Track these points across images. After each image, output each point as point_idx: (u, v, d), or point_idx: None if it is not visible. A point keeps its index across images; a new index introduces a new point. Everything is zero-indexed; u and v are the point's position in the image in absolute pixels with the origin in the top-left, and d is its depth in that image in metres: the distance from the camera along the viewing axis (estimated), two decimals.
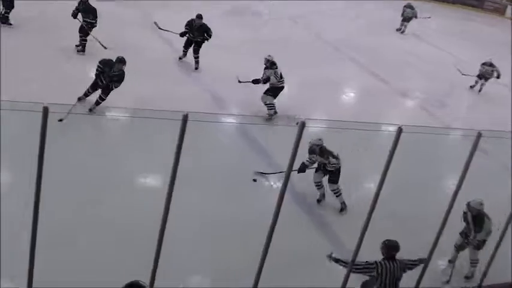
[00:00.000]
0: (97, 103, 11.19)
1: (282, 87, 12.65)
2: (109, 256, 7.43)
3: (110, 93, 11.13)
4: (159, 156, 8.72)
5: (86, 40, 13.88)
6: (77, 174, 9.06)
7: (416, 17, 22.37)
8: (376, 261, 6.61)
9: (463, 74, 16.98)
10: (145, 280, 4.67)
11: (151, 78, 13.33)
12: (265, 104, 12.53)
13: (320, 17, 22.20)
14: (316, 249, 8.36)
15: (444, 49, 21.20)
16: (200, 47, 14.47)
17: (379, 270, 6.56)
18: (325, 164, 9.42)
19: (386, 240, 6.71)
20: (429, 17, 22.72)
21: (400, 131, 5.67)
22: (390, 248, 6.66)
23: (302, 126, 5.05)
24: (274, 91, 12.56)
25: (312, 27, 20.84)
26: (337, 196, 9.56)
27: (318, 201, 9.70)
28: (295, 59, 16.40)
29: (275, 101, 12.58)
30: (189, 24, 14.34)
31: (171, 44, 15.29)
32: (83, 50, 13.93)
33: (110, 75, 11.05)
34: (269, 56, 12.63)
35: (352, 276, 6.38)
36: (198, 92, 13.28)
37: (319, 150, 9.36)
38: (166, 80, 13.51)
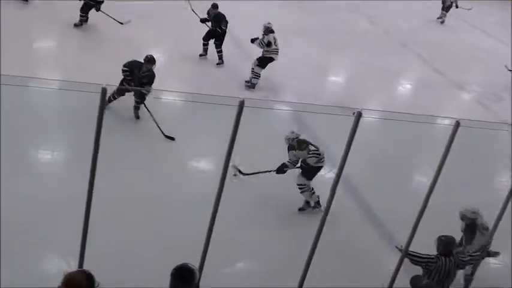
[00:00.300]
0: (136, 108, 10.27)
1: (270, 58, 12.56)
2: (158, 237, 7.50)
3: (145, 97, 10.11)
4: (212, 140, 8.82)
5: (84, 17, 13.76)
6: (128, 155, 9.25)
7: (457, 6, 21.70)
8: (436, 255, 6.48)
9: (509, 70, 16.48)
10: (194, 263, 4.68)
11: (203, 62, 13.39)
12: (252, 70, 12.62)
13: (381, 7, 21.84)
14: (364, 244, 8.34)
15: (503, 41, 20.62)
16: (220, 41, 13.40)
17: (437, 265, 6.45)
18: (306, 159, 8.49)
19: (443, 235, 6.52)
20: (469, 9, 21.98)
21: (457, 125, 5.55)
22: (447, 244, 6.50)
23: (358, 116, 4.98)
24: (261, 60, 12.58)
25: (374, 18, 20.52)
26: (301, 192, 8.68)
27: (301, 210, 8.80)
28: (354, 48, 16.28)
29: (262, 71, 12.61)
30: (208, 13, 13.51)
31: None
32: (81, 25, 13.79)
33: (138, 76, 9.94)
34: (268, 23, 12.53)
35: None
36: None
37: (296, 144, 8.46)
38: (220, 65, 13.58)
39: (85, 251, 5.25)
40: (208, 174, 8.46)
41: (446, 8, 21.68)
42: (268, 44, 12.37)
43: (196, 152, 9.82)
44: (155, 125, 9.81)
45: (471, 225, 7.33)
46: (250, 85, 12.59)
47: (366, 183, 9.60)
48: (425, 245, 6.57)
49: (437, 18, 21.97)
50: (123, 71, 9.97)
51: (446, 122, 10.69)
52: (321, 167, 8.58)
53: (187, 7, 13.87)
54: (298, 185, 8.67)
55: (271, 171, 8.48)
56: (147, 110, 10.04)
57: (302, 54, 13.07)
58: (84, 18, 13.83)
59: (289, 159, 8.48)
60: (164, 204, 8.12)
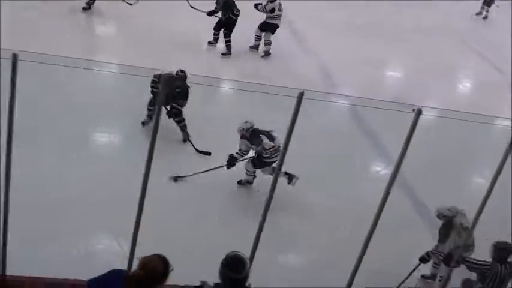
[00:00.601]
0: (182, 128, 9.35)
1: (273, 24, 12.82)
2: (208, 225, 7.57)
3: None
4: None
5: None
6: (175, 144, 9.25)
7: (493, 1, 21.03)
8: (493, 262, 6.36)
9: None
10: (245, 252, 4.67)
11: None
12: (256, 37, 13.03)
13: (436, 3, 21.41)
14: (416, 245, 8.20)
15: None
16: (229, 30, 12.72)
17: (493, 272, 6.31)
18: (260, 153, 8.17)
19: (497, 242, 6.41)
20: (497, 6, 21.23)
21: None
22: (501, 250, 6.37)
23: (418, 113, 4.84)
24: (264, 25, 12.90)
25: (431, 14, 20.11)
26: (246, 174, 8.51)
27: (240, 182, 8.57)
28: (413, 43, 16.02)
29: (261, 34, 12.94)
30: (217, 2, 12.84)
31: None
32: (89, 8, 13.50)
33: (171, 93, 8.96)
34: None
35: None
36: (307, 71, 13.10)
37: (250, 135, 8.13)
38: (279, 56, 13.49)
39: (138, 234, 5.28)
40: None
41: (487, 3, 21.07)
42: (272, 11, 12.64)
43: None
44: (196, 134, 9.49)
45: (447, 223, 7.10)
46: (264, 54, 12.99)
47: (421, 182, 9.35)
48: (480, 250, 6.45)
49: (477, 14, 21.26)
50: (153, 81, 9.06)
51: (506, 123, 10.46)
52: (274, 161, 8.16)
53: None
54: (246, 169, 8.44)
55: (221, 166, 8.29)
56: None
57: (360, 49, 12.87)
58: (92, 1, 13.55)
59: (239, 149, 8.22)
60: (213, 196, 8.16)
